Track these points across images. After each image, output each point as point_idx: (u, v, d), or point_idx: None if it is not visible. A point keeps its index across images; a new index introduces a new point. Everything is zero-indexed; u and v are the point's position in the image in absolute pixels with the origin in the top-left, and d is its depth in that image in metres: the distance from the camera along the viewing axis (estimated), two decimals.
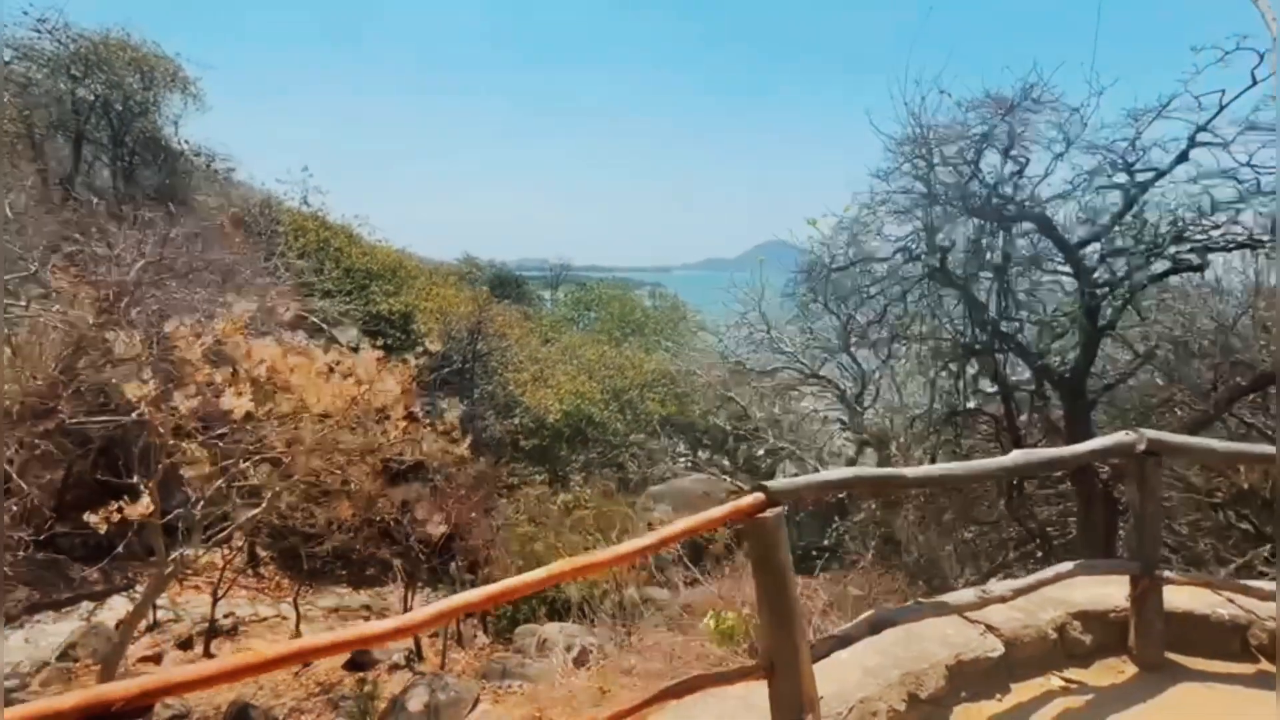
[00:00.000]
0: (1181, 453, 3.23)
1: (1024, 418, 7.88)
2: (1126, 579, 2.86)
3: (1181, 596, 2.91)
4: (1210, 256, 6.86)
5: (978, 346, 7.92)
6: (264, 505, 8.20)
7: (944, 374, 8.77)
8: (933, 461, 8.85)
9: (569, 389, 17.12)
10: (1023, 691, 2.64)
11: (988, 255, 7.79)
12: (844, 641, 2.14)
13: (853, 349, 11.37)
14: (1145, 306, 7.08)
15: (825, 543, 11.10)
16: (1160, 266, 6.90)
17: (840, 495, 11.63)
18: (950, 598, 2.49)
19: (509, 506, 13.55)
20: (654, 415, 17.56)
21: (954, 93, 7.27)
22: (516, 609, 11.96)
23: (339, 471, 9.41)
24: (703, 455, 18.43)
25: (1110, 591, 2.93)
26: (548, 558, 12.26)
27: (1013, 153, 7.18)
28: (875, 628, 2.19)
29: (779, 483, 2.07)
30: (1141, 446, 2.80)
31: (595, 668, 7.70)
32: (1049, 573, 2.70)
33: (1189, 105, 6.37)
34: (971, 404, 8.35)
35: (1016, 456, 2.61)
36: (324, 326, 13.24)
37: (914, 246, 7.98)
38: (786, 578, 1.98)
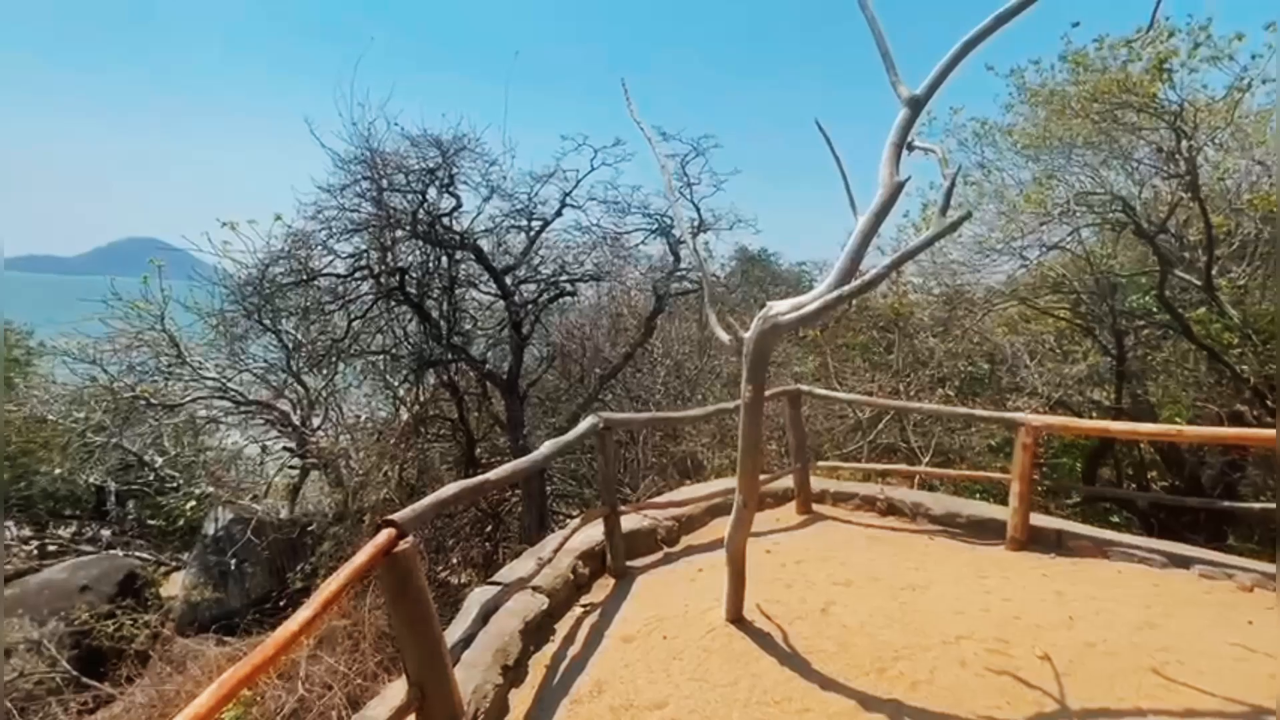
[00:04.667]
0: (623, 424, 4.70)
1: (475, 415, 9.26)
2: (601, 519, 4.03)
3: (627, 521, 4.29)
4: (577, 285, 9.81)
5: (433, 358, 8.80)
6: None
7: (403, 385, 9.32)
8: (402, 469, 9.33)
9: None
10: (562, 628, 3.39)
11: (436, 277, 8.75)
12: (467, 642, 2.31)
13: (297, 369, 10.58)
14: (547, 321, 9.50)
15: (287, 589, 9.95)
16: (552, 292, 9.37)
17: (295, 532, 10.64)
18: (521, 571, 2.97)
19: None
20: None
21: (399, 124, 7.86)
22: None
23: None
24: (63, 533, 13.30)
25: (594, 533, 4.04)
26: None
27: (451, 189, 8.34)
28: (486, 618, 2.45)
29: (404, 513, 2.07)
30: (601, 425, 4.00)
31: None
32: (569, 530, 3.55)
33: (561, 177, 8.93)
34: (431, 410, 9.21)
35: (548, 448, 3.33)
36: None
37: (372, 265, 8.18)
38: (428, 603, 2.02)
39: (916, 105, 2.89)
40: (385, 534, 1.94)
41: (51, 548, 12.31)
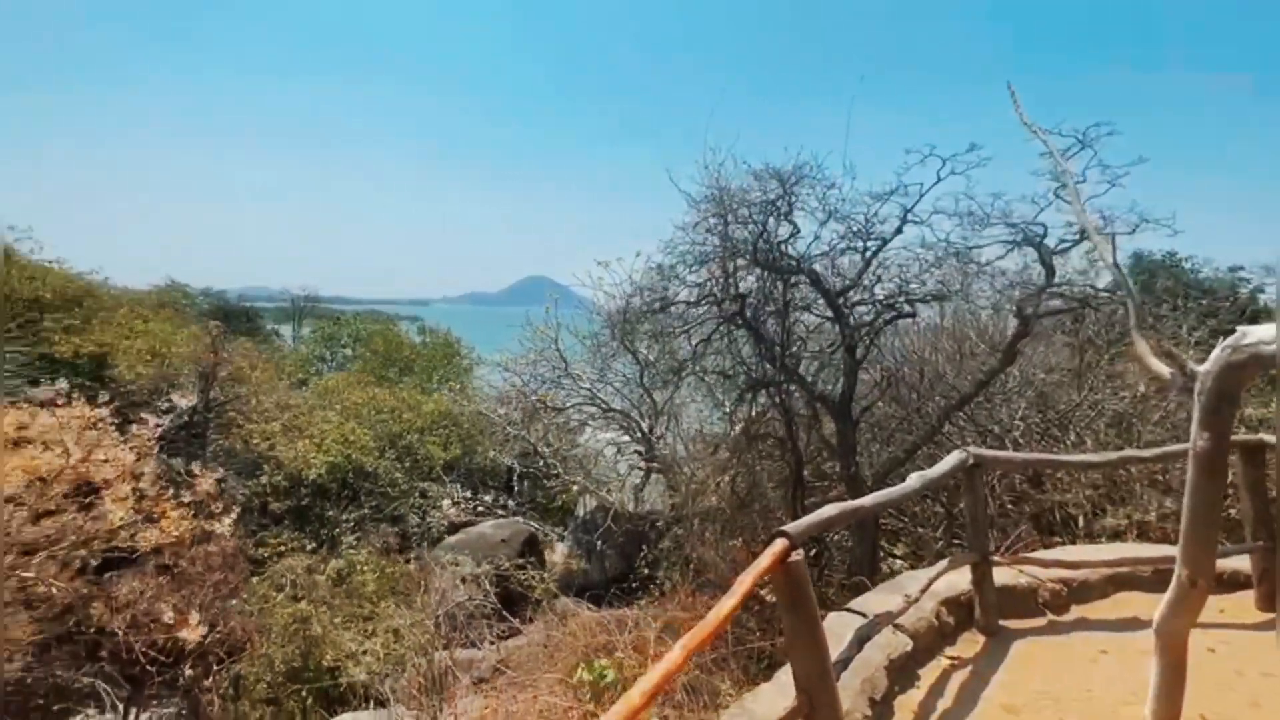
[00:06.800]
0: (999, 464, 4.23)
1: (804, 437, 9.32)
2: (969, 567, 3.63)
3: (998, 574, 3.78)
4: (916, 305, 9.10)
5: (765, 379, 9.17)
6: None
7: (735, 403, 9.94)
8: (733, 481, 9.95)
9: (335, 438, 15.07)
10: (927, 676, 3.15)
11: (771, 302, 9.14)
12: (845, 664, 2.34)
13: (648, 384, 12.23)
14: (882, 345, 9.05)
15: (634, 574, 11.45)
16: (889, 314, 8.88)
17: (642, 525, 12.24)
18: (888, 605, 2.88)
19: (262, 584, 11.27)
20: (436, 460, 16.36)
21: (746, 161, 8.53)
22: (279, 708, 9.92)
23: (21, 575, 6.98)
24: (486, 498, 17.77)
25: (957, 580, 3.67)
26: (324, 643, 10.21)
27: (789, 217, 8.63)
28: (860, 645, 2.44)
29: (795, 526, 2.21)
30: (970, 461, 3.62)
31: None
32: (935, 570, 3.30)
33: (902, 193, 8.43)
34: (761, 429, 9.61)
35: (916, 481, 3.18)
36: None
37: (717, 292, 8.98)
38: (816, 616, 2.11)
39: None
40: (780, 544, 2.10)
41: (479, 509, 16.64)
